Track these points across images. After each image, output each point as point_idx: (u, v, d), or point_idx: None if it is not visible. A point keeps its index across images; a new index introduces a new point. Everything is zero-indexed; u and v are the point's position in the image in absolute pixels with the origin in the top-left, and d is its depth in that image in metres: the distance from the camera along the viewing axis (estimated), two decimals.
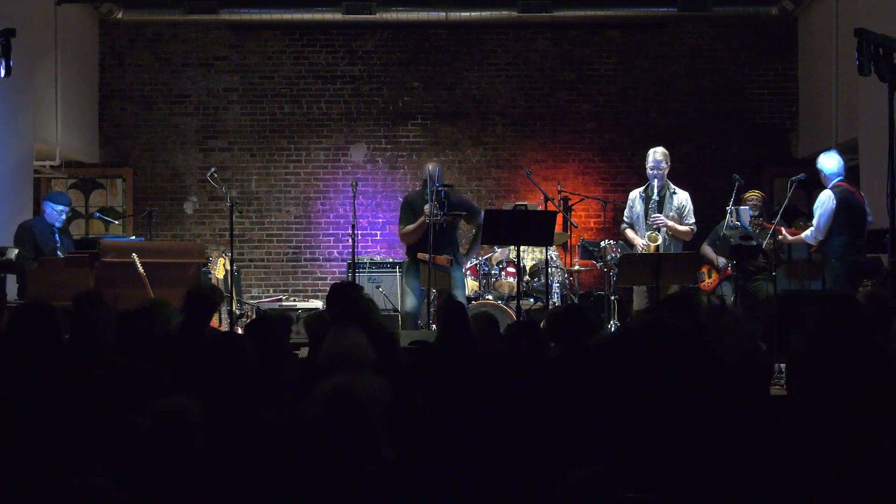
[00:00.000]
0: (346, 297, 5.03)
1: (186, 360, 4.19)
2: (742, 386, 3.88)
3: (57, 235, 7.93)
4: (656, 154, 7.63)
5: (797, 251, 8.18)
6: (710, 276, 8.29)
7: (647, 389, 3.50)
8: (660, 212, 7.58)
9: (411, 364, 4.17)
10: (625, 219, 7.78)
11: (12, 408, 3.36)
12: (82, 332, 4.43)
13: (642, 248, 7.49)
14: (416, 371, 4.02)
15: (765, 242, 7.55)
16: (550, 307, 8.00)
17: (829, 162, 7.36)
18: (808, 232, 7.32)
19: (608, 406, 3.56)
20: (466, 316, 5.41)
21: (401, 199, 8.35)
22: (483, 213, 7.83)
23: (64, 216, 8.07)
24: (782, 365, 6.62)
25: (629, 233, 7.72)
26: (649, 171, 7.65)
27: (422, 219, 7.49)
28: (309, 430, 3.06)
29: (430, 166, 7.74)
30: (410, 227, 7.64)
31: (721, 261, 8.09)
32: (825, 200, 7.18)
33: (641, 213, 7.66)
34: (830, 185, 7.27)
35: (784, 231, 7.57)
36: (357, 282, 9.07)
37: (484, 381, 3.78)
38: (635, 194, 7.75)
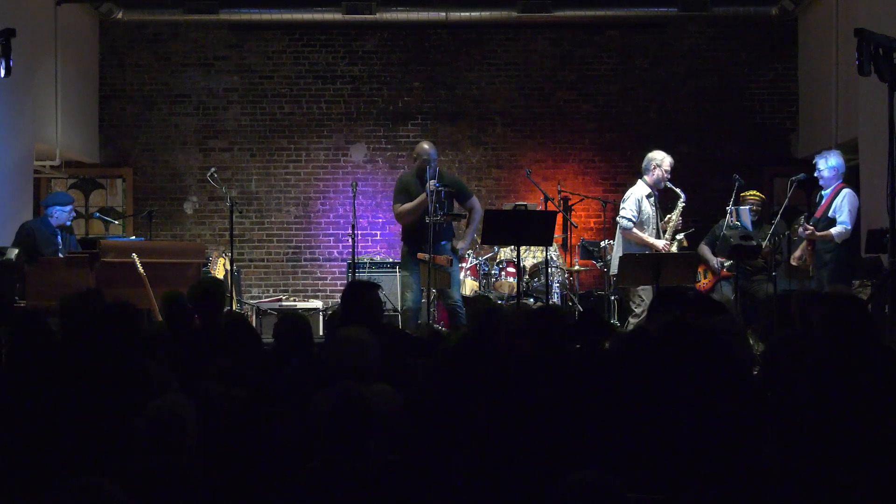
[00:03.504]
0: (359, 297, 4.99)
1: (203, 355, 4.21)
2: (747, 386, 3.88)
3: (60, 237, 7.94)
4: (671, 159, 7.58)
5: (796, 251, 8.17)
6: (705, 277, 8.29)
7: (658, 391, 3.50)
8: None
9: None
10: (632, 218, 7.42)
11: (20, 412, 3.37)
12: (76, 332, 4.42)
13: (665, 251, 7.36)
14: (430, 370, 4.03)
15: (764, 243, 7.56)
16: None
17: (839, 159, 7.43)
18: (839, 229, 7.23)
19: (614, 407, 3.56)
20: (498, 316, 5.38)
21: None
22: (476, 200, 7.83)
23: (73, 214, 8.14)
24: None
25: (642, 234, 7.42)
26: (665, 175, 7.49)
27: (422, 196, 7.35)
28: (312, 430, 3.06)
29: (427, 146, 7.62)
30: (409, 205, 7.47)
31: (717, 261, 8.09)
32: (851, 198, 7.25)
33: (653, 215, 7.50)
34: (840, 184, 7.38)
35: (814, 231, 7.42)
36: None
37: (490, 382, 3.78)
38: (641, 195, 7.49)
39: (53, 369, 3.78)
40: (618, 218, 7.56)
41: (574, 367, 4.08)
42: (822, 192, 7.53)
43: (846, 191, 7.39)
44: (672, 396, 3.44)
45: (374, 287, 5.02)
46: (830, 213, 7.34)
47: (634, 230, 7.43)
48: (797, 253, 7.57)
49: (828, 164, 7.39)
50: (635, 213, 7.45)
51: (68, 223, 8.05)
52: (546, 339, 4.22)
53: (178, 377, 3.99)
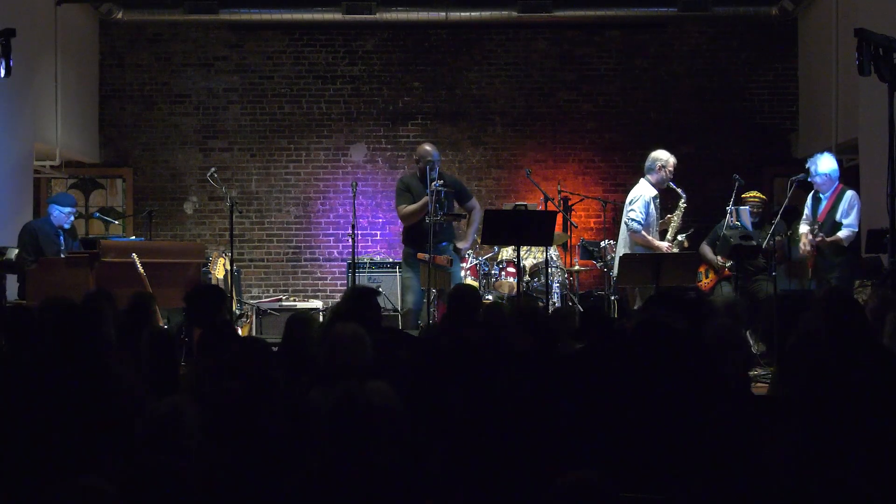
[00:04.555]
0: (360, 301, 5.02)
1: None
2: (735, 384, 3.88)
3: (62, 238, 7.94)
4: (675, 159, 7.59)
5: (797, 251, 8.17)
6: (707, 277, 8.29)
7: (644, 389, 3.51)
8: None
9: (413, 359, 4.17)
10: (641, 221, 7.38)
11: (22, 410, 3.37)
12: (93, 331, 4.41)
13: (668, 251, 7.38)
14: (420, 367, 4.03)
15: (765, 242, 7.56)
16: (550, 307, 8.01)
17: (833, 164, 7.40)
18: (847, 232, 7.17)
19: (608, 406, 3.56)
20: (478, 305, 5.39)
21: None
22: (476, 201, 7.86)
23: (72, 217, 8.14)
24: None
25: (648, 236, 7.41)
26: (669, 175, 7.48)
27: (424, 199, 7.35)
28: (312, 432, 3.06)
29: (429, 147, 7.63)
30: (413, 206, 7.49)
31: (719, 260, 8.09)
32: (856, 200, 7.23)
33: (656, 216, 7.51)
34: (839, 185, 7.34)
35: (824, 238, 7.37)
36: (357, 282, 9.09)
37: (483, 381, 3.78)
38: (649, 196, 7.45)
39: (40, 368, 3.78)
40: (626, 220, 7.48)
41: (567, 365, 4.08)
42: (821, 195, 7.48)
43: (850, 192, 7.33)
44: (642, 395, 3.45)
45: (374, 293, 5.07)
46: (837, 217, 7.29)
47: (643, 232, 7.39)
48: (805, 248, 7.49)
49: (818, 170, 7.34)
50: (644, 216, 7.40)
51: (66, 225, 8.03)
52: (537, 338, 4.24)
53: (148, 380, 3.97)
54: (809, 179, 7.43)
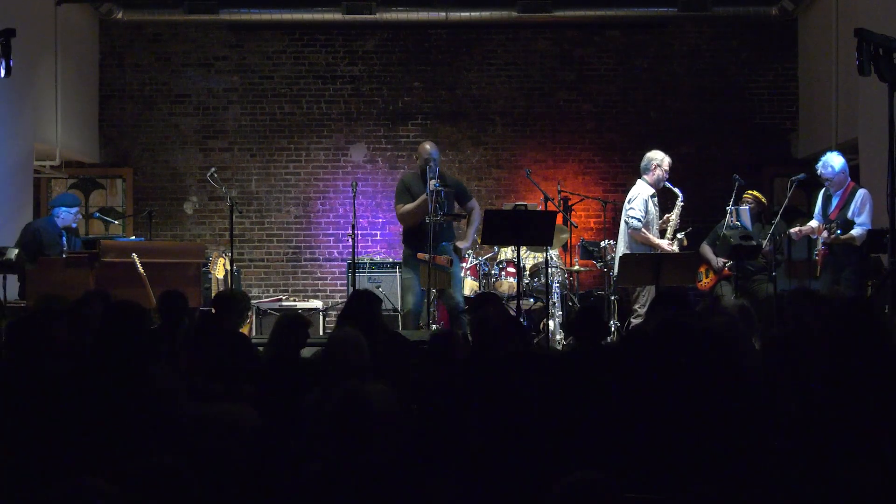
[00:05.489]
0: (363, 305, 5.06)
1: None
2: (745, 385, 3.88)
3: (64, 238, 7.96)
4: (669, 159, 7.67)
5: (797, 251, 8.16)
6: (707, 276, 8.30)
7: (655, 390, 3.50)
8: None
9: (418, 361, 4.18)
10: (640, 218, 7.53)
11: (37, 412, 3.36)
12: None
13: (669, 250, 7.46)
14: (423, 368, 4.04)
15: (764, 243, 7.56)
16: (550, 307, 8.02)
17: (842, 159, 7.33)
18: (859, 231, 7.09)
19: (613, 407, 3.56)
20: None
21: None
22: (476, 201, 7.88)
23: (80, 216, 8.22)
24: None
25: (648, 234, 7.54)
26: (664, 174, 7.66)
27: (422, 197, 7.40)
28: (314, 433, 3.06)
29: (429, 146, 7.67)
30: (411, 205, 7.52)
31: (719, 261, 8.10)
32: (867, 198, 7.17)
33: (655, 215, 7.65)
34: (850, 183, 7.29)
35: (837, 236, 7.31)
36: (357, 282, 9.10)
37: (487, 382, 3.79)
38: (647, 195, 7.62)
39: (55, 371, 3.78)
40: (626, 218, 7.60)
41: (572, 365, 4.08)
42: (832, 193, 7.42)
43: (862, 190, 7.25)
44: (669, 395, 3.44)
45: (377, 301, 5.12)
46: (849, 215, 7.24)
47: (643, 231, 7.53)
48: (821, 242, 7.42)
49: (835, 169, 7.27)
50: (644, 214, 7.55)
51: (74, 225, 8.14)
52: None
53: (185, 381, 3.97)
54: (825, 183, 7.34)
